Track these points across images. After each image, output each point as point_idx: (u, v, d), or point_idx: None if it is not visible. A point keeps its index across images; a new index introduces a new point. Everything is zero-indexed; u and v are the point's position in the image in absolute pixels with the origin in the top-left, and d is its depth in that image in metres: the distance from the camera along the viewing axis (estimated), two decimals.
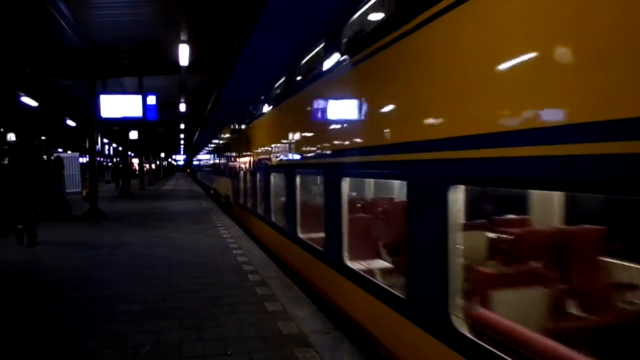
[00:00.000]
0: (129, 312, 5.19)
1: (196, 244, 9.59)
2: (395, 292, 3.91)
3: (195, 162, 68.45)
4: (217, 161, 24.96)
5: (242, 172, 13.80)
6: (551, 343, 2.67)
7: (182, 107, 21.30)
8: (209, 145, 33.48)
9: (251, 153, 11.96)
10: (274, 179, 9.23)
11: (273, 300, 5.58)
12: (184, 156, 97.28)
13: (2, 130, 24.77)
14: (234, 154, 16.31)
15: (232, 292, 5.96)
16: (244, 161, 13.25)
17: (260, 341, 4.33)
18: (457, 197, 3.04)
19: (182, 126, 33.89)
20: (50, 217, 13.53)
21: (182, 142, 60.71)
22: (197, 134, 45.60)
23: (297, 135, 7.35)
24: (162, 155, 62.49)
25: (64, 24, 10.35)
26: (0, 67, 13.74)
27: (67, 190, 19.39)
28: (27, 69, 14.40)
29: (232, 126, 16.74)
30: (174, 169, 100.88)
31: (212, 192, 27.44)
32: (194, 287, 6.22)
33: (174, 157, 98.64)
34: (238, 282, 6.52)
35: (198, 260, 7.95)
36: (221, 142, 21.36)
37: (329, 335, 4.52)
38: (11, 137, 25.65)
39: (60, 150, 32.16)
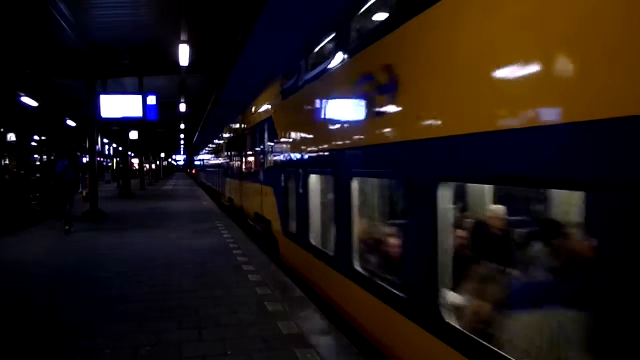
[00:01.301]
0: (129, 312, 5.19)
1: (197, 244, 9.58)
2: None
3: (197, 162, 52.40)
4: (244, 157, 13.08)
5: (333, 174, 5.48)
6: None
7: (182, 107, 21.31)
8: (226, 132, 19.81)
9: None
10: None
11: (273, 300, 5.57)
12: (184, 156, 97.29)
13: (2, 130, 24.74)
14: (292, 137, 7.62)
15: (233, 292, 5.96)
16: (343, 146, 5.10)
17: (260, 341, 4.32)
18: None
19: (182, 126, 33.90)
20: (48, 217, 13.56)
21: (182, 142, 60.70)
22: (200, 127, 41.70)
23: None
24: (162, 155, 62.48)
25: (64, 24, 10.36)
26: (0, 67, 13.74)
27: None
28: (27, 69, 14.41)
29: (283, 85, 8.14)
30: (173, 169, 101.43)
31: (226, 202, 18.61)
32: (194, 287, 6.22)
33: (174, 157, 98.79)
34: (238, 282, 6.51)
35: (198, 260, 7.94)
36: (253, 121, 11.51)
37: (329, 335, 4.51)
38: (11, 137, 25.62)
39: None
